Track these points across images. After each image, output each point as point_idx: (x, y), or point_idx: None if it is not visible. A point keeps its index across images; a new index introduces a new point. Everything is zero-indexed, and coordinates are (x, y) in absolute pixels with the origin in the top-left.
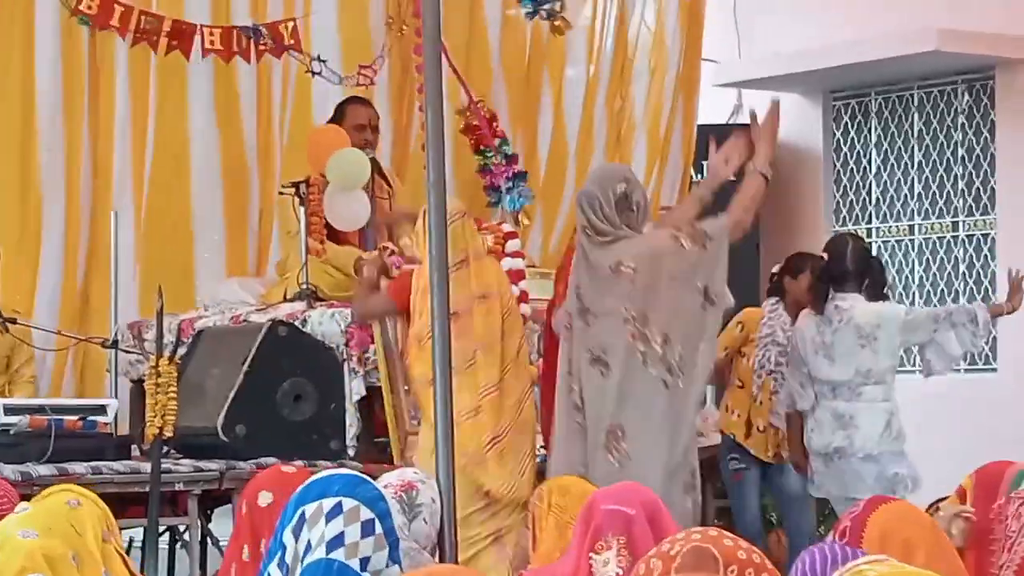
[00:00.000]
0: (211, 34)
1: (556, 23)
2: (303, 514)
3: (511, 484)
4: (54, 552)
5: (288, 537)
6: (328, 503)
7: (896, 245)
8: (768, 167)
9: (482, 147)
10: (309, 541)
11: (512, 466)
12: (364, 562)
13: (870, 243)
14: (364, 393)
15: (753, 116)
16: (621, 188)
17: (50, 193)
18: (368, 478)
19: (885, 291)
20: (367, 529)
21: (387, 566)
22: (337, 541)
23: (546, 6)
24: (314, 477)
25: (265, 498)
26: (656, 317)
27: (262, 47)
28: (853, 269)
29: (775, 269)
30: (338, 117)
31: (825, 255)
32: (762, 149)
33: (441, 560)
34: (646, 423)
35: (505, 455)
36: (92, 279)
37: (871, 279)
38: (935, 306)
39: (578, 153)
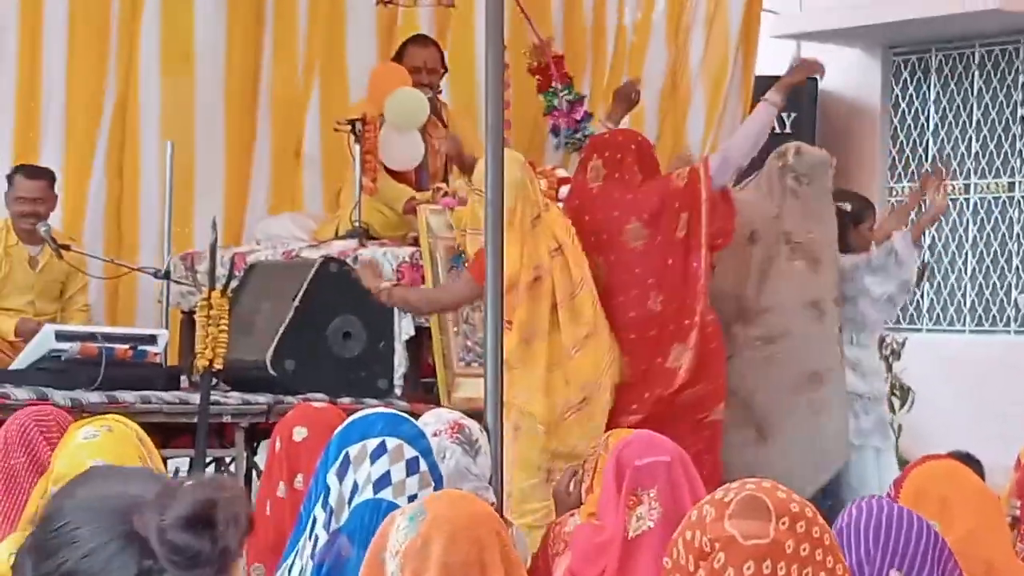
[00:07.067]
0: None
1: None
2: (347, 455)
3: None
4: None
5: (332, 479)
6: (372, 443)
7: (951, 204)
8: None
9: (550, 88)
10: (355, 482)
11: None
12: (412, 500)
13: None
14: (413, 333)
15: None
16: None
17: (102, 122)
18: (408, 417)
19: None
20: (412, 467)
21: None
22: (384, 481)
23: None
24: (354, 417)
25: (300, 433)
26: None
27: None
28: None
29: None
30: (399, 57)
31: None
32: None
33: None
34: None
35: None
36: (142, 209)
37: None
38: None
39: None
